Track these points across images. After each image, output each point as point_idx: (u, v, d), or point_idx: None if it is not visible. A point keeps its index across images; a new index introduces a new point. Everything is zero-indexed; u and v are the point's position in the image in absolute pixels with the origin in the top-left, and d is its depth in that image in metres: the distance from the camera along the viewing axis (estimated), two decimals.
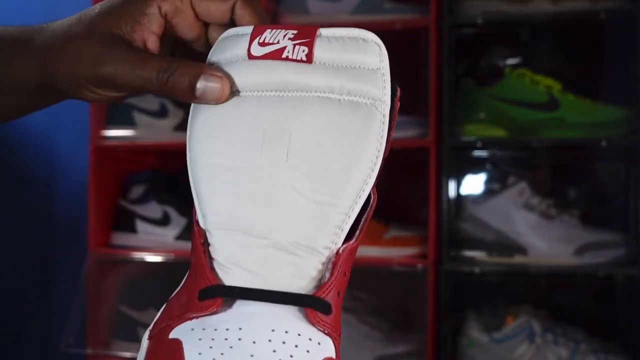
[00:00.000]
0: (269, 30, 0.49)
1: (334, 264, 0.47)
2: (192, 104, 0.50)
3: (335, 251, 0.48)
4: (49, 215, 2.12)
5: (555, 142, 1.55)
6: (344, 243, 0.48)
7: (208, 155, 0.48)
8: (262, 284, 0.47)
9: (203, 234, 0.48)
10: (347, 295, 1.65)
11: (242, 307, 0.47)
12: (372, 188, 0.48)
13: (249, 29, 0.49)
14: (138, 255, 1.72)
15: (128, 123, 1.75)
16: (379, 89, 0.48)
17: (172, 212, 1.74)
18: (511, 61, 1.63)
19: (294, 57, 0.48)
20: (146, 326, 0.50)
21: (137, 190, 1.78)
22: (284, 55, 0.48)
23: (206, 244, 0.48)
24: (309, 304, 0.47)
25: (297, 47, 0.48)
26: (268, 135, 0.47)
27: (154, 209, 1.75)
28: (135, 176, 1.81)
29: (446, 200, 1.54)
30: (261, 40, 0.48)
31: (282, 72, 0.48)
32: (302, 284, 0.47)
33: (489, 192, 1.60)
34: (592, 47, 1.70)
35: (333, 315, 0.47)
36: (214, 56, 0.51)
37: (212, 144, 0.48)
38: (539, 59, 1.70)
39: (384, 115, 0.48)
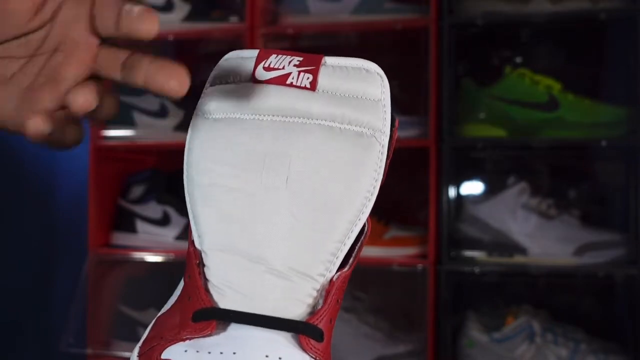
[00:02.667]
0: (274, 56, 0.49)
1: (328, 292, 0.48)
2: (191, 124, 0.50)
3: (329, 278, 0.48)
4: (49, 215, 2.12)
5: (555, 142, 1.55)
6: (337, 271, 0.48)
7: (207, 176, 0.48)
8: (255, 308, 0.47)
9: (199, 254, 0.48)
10: (347, 295, 1.65)
11: (236, 331, 0.47)
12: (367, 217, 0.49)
13: (254, 53, 0.50)
14: (138, 255, 1.72)
15: (128, 123, 1.75)
16: (380, 120, 0.48)
17: (172, 212, 1.74)
18: (511, 61, 1.62)
19: (299, 84, 0.48)
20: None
21: (137, 190, 1.78)
22: (288, 82, 0.48)
23: (201, 264, 0.48)
24: (302, 330, 0.47)
25: (302, 74, 0.48)
26: (268, 159, 0.47)
27: (154, 209, 1.75)
28: (135, 176, 1.81)
29: (446, 200, 1.54)
30: (266, 65, 0.49)
31: (286, 97, 0.48)
32: (295, 310, 0.47)
33: (489, 192, 1.60)
34: (592, 47, 1.70)
35: (325, 343, 0.47)
36: (215, 77, 0.51)
37: (211, 165, 0.48)
38: (539, 59, 1.70)
39: (382, 146, 0.48)
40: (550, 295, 1.65)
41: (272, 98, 0.48)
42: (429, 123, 1.55)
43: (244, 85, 0.49)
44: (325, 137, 0.47)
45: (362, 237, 0.50)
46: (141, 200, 1.77)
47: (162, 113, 1.76)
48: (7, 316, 2.11)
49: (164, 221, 1.74)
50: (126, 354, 1.72)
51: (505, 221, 1.55)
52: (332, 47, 1.75)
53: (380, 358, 1.59)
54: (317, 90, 0.48)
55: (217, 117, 0.49)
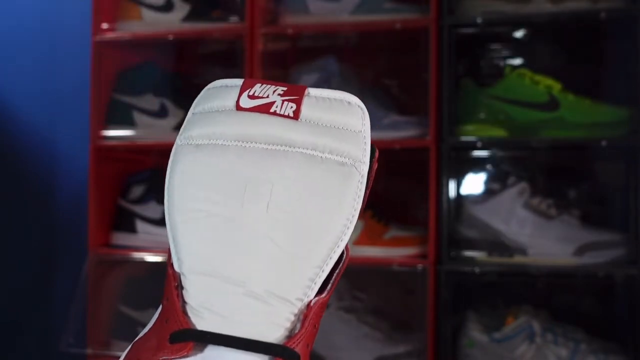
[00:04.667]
0: (259, 85, 0.50)
1: (305, 316, 0.48)
2: (174, 150, 0.51)
3: (307, 303, 0.49)
4: (49, 215, 2.12)
5: (555, 142, 1.55)
6: (315, 296, 0.49)
7: (189, 201, 0.49)
8: (233, 331, 0.47)
9: (178, 277, 0.49)
10: (347, 295, 1.65)
11: (212, 352, 0.47)
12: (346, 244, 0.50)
13: (238, 82, 0.51)
14: (138, 255, 1.72)
15: (128, 123, 1.75)
16: (360, 150, 0.50)
17: None
18: (511, 61, 1.62)
19: (282, 113, 0.49)
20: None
21: (137, 190, 1.78)
22: (272, 110, 0.49)
23: (180, 287, 0.49)
24: (279, 353, 0.47)
25: (285, 103, 0.50)
26: (250, 185, 0.48)
27: (154, 209, 1.75)
28: (135, 176, 1.81)
29: (446, 200, 1.54)
30: (251, 93, 0.50)
31: (269, 125, 0.49)
32: (272, 333, 0.48)
33: (489, 192, 1.60)
34: (592, 47, 1.70)
35: None
36: (199, 104, 0.52)
37: (193, 190, 0.49)
38: (539, 59, 1.70)
39: (362, 175, 0.49)
40: (550, 296, 1.65)
41: (255, 126, 0.49)
42: (429, 123, 1.55)
43: (228, 112, 0.50)
44: (306, 165, 0.48)
45: (341, 264, 0.51)
46: (141, 200, 1.77)
47: (162, 113, 1.76)
48: (7, 316, 2.11)
49: (164, 221, 1.74)
50: None
51: (505, 221, 1.55)
52: (332, 47, 1.75)
53: (380, 358, 1.59)
54: (299, 120, 0.49)
55: (200, 143, 0.50)
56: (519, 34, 1.68)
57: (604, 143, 1.49)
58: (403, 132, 1.59)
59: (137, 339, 0.51)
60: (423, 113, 1.57)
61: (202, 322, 0.48)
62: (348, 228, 0.49)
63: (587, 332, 1.53)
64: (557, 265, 1.50)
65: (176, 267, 0.49)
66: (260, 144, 0.49)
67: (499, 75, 1.59)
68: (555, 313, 1.57)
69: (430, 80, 1.55)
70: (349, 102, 0.50)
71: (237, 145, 0.49)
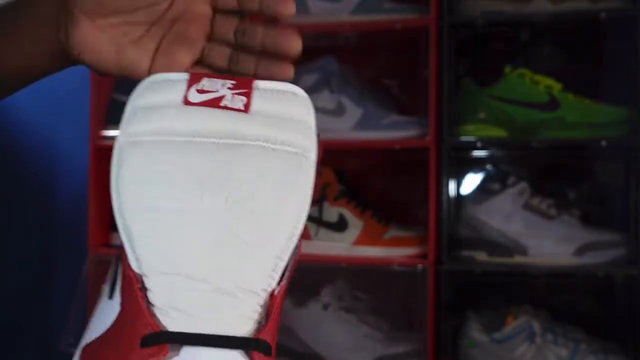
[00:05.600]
0: (206, 79, 0.50)
1: (271, 306, 0.48)
2: (118, 148, 0.50)
3: (270, 293, 0.49)
4: (49, 215, 2.12)
5: (555, 142, 1.55)
6: (277, 285, 0.49)
7: (144, 199, 0.48)
8: (204, 328, 0.47)
9: (139, 278, 0.48)
10: (347, 295, 1.65)
11: (189, 353, 0.47)
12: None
13: (183, 76, 0.51)
14: None
15: None
16: (309, 140, 0.50)
17: None
18: (511, 61, 1.62)
19: (232, 106, 0.49)
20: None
21: None
22: (222, 104, 0.49)
23: (143, 288, 0.48)
24: (254, 346, 0.47)
25: (235, 96, 0.49)
26: (207, 180, 0.48)
27: None
28: None
29: (446, 200, 1.54)
30: (199, 88, 0.50)
31: (221, 120, 0.49)
32: (244, 327, 0.48)
33: (489, 192, 1.60)
34: (593, 47, 1.70)
35: (273, 357, 0.48)
36: (140, 98, 0.51)
37: (148, 188, 0.48)
38: (539, 59, 1.70)
39: (312, 163, 0.50)
40: (550, 296, 1.65)
41: (207, 120, 0.49)
42: (429, 123, 1.54)
43: (177, 107, 0.50)
44: (260, 157, 0.49)
45: (294, 252, 0.51)
46: None
47: None
48: (7, 316, 2.11)
49: None
50: None
51: (505, 221, 1.55)
52: (332, 47, 1.75)
53: (380, 358, 1.59)
54: (249, 112, 0.49)
55: (148, 139, 0.49)
56: (519, 34, 1.68)
57: (604, 143, 1.49)
58: (403, 132, 1.59)
59: (85, 342, 0.50)
60: (423, 113, 1.56)
61: (171, 322, 0.47)
62: (302, 217, 0.49)
63: (587, 332, 1.53)
64: (557, 265, 1.50)
65: (135, 268, 0.48)
66: (213, 138, 0.49)
67: (499, 75, 1.58)
68: (555, 313, 1.57)
69: (430, 80, 1.55)
70: (294, 94, 0.51)
71: (189, 140, 0.49)
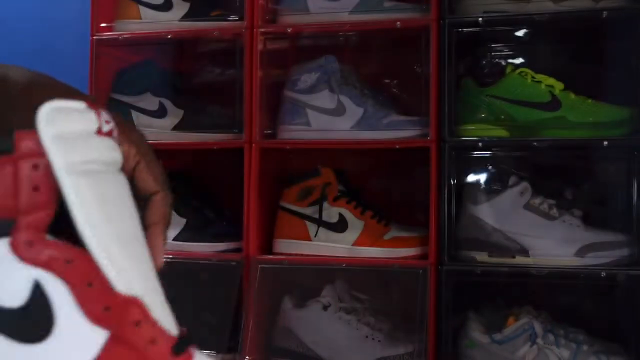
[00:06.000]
0: (102, 109, 0.52)
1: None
2: (65, 179, 0.49)
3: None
4: None
5: (557, 142, 1.54)
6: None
7: (109, 223, 0.50)
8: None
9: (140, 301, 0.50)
10: (348, 296, 1.64)
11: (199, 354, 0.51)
12: None
13: (82, 105, 0.50)
14: None
15: None
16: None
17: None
18: (512, 60, 1.62)
19: (113, 134, 0.52)
20: None
21: None
22: (114, 134, 0.52)
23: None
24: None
25: (108, 123, 0.52)
26: (120, 204, 0.52)
27: None
28: None
29: (447, 201, 1.54)
30: (105, 118, 0.51)
31: (114, 149, 0.52)
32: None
33: (490, 193, 1.59)
34: (594, 47, 1.69)
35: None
36: (56, 125, 0.48)
37: (104, 215, 0.50)
38: (541, 58, 1.69)
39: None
40: (552, 296, 1.65)
41: (110, 149, 0.51)
42: (430, 123, 1.54)
43: (93, 137, 0.50)
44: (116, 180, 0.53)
45: None
46: None
47: (160, 113, 1.75)
48: None
49: None
50: None
51: (506, 221, 1.54)
52: (332, 46, 1.74)
53: (381, 359, 1.58)
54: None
55: (84, 169, 0.49)
56: (520, 33, 1.67)
57: (605, 143, 1.49)
58: (403, 132, 1.58)
59: None
60: (423, 113, 1.56)
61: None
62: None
63: (589, 333, 1.52)
64: (558, 266, 1.50)
65: (126, 291, 0.49)
66: (105, 166, 0.51)
67: (500, 75, 1.58)
68: (556, 314, 1.56)
69: (430, 79, 1.54)
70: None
71: (99, 169, 0.50)
